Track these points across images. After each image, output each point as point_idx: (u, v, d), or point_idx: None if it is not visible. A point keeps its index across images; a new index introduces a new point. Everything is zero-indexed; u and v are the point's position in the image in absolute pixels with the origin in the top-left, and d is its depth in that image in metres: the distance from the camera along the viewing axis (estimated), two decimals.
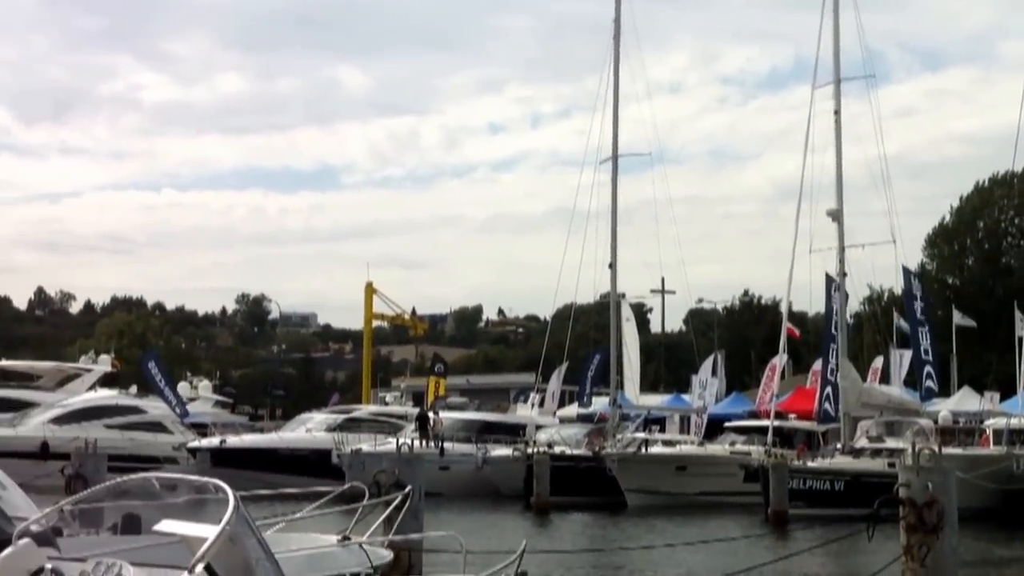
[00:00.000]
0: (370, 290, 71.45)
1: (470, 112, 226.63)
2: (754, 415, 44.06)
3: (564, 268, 43.78)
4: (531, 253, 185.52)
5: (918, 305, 36.40)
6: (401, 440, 38.89)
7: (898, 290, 40.53)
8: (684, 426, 47.44)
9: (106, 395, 49.74)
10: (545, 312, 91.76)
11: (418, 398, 61.20)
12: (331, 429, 44.26)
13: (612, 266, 42.50)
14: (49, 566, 6.08)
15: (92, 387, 52.58)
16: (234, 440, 44.19)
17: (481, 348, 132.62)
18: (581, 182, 43.56)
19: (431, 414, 43.21)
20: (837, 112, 36.39)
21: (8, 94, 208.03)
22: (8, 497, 8.40)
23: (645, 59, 71.10)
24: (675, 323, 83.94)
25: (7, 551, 6.40)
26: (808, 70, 38.59)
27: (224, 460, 38.99)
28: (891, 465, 28.22)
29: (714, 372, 49.10)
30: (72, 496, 8.44)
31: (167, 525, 6.44)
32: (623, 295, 44.64)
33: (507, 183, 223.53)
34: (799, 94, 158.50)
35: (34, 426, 44.48)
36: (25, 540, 6.47)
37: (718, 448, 38.93)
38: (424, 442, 39.87)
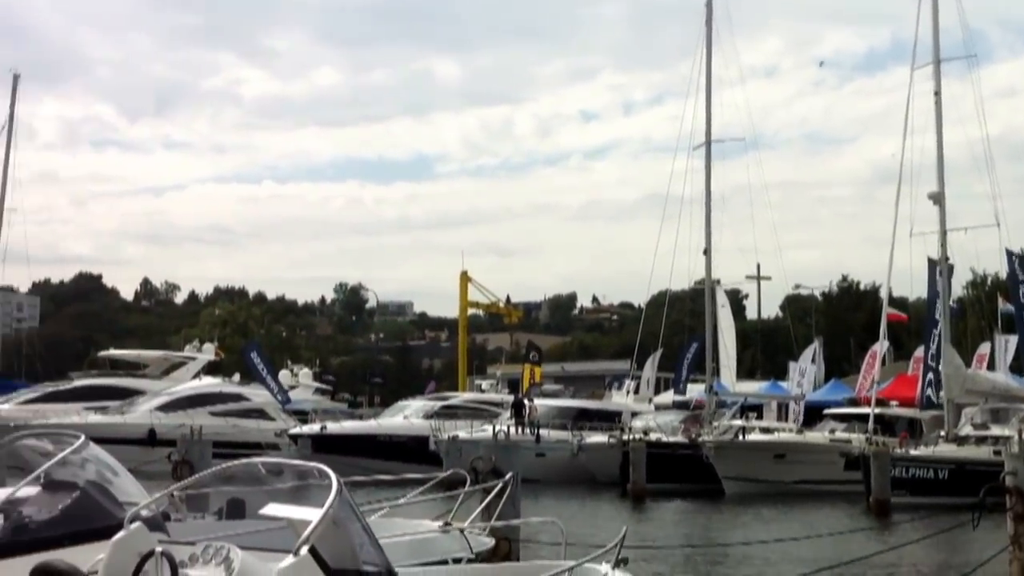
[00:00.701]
0: (465, 278, 71.81)
1: (563, 100, 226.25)
2: (854, 402, 43.37)
3: (658, 255, 43.55)
4: (625, 240, 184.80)
5: (1023, 289, 35.51)
6: (497, 427, 39.24)
7: (1003, 274, 39.53)
8: (782, 413, 46.91)
9: (210, 383, 50.84)
10: (639, 299, 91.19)
11: (513, 385, 61.36)
12: (428, 416, 44.64)
13: (707, 252, 42.19)
14: (159, 549, 6.21)
15: (196, 375, 53.82)
16: (334, 427, 44.81)
17: (575, 335, 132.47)
18: (675, 168, 43.30)
19: (526, 401, 43.34)
20: (937, 93, 35.59)
21: (113, 91, 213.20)
22: (119, 483, 8.64)
23: (738, 43, 70.01)
24: (771, 309, 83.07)
25: (119, 535, 6.58)
26: (906, 51, 37.95)
27: (324, 446, 39.54)
28: (997, 453, 27.66)
29: (813, 359, 48.46)
30: (180, 482, 8.66)
31: (272, 509, 6.57)
32: (718, 281, 44.31)
33: (600, 170, 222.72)
34: (897, 76, 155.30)
35: (141, 414, 45.61)
36: (136, 524, 6.64)
37: (817, 436, 38.44)
38: (520, 429, 40.03)
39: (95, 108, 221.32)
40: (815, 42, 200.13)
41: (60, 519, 8.21)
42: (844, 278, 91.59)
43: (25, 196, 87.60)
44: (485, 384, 64.53)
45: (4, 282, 60.99)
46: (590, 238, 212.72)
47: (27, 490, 8.83)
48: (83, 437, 8.99)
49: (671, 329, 48.49)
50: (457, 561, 9.10)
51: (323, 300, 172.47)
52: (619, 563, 7.52)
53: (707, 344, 42.69)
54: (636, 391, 50.91)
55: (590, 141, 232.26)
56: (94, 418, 42.81)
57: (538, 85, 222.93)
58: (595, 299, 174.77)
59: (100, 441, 9.44)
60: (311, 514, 5.89)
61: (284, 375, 60.53)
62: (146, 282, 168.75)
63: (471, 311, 76.19)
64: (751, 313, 79.45)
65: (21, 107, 57.74)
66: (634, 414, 44.48)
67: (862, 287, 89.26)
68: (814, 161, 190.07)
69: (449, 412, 45.39)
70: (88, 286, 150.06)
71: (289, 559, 5.55)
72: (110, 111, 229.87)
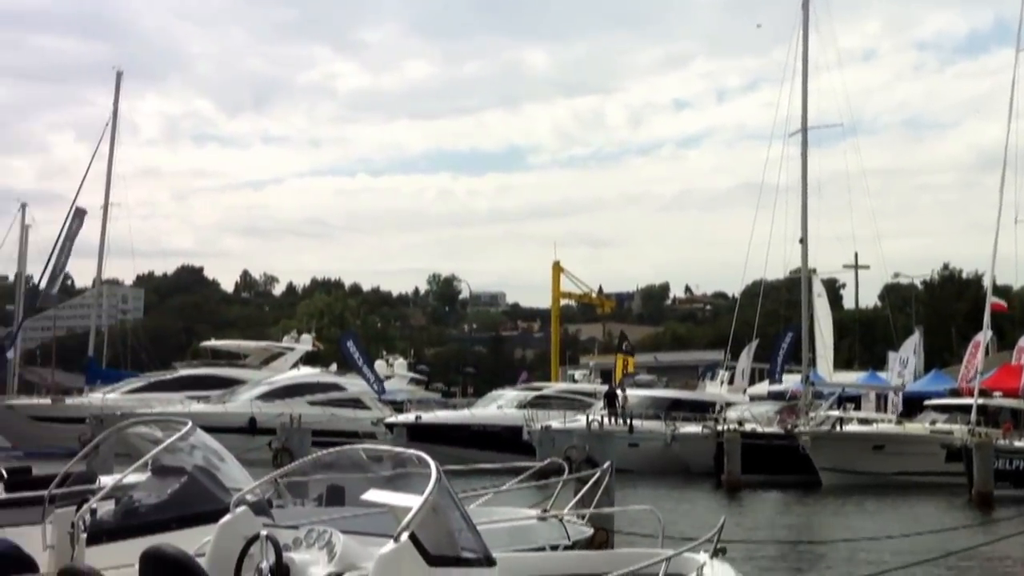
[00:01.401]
0: (557, 269, 71.82)
1: (655, 89, 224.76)
2: (955, 393, 42.49)
3: (753, 244, 43.08)
4: (718, 229, 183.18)
5: None
6: (591, 417, 39.26)
7: None
8: (880, 404, 46.17)
9: (308, 373, 51.74)
10: (733, 289, 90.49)
11: (606, 376, 61.27)
12: (521, 406, 44.85)
13: (803, 241, 41.61)
14: (264, 533, 6.37)
15: (295, 365, 54.79)
16: (428, 416, 45.24)
17: (668, 325, 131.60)
18: (770, 156, 42.78)
19: (619, 391, 43.28)
20: None
21: (212, 86, 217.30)
22: (225, 468, 8.88)
23: (836, 26, 69.14)
24: (869, 299, 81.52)
25: (225, 519, 6.77)
26: (1010, 32, 36.97)
27: (419, 435, 39.94)
28: None
29: (915, 350, 47.59)
30: (284, 468, 8.84)
31: (373, 495, 6.70)
32: (814, 270, 43.69)
33: (693, 159, 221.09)
34: (1001, 58, 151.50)
35: (242, 403, 46.58)
36: (242, 508, 6.82)
37: (917, 427, 37.76)
38: (612, 419, 39.99)
39: (195, 104, 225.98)
40: (915, 24, 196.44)
41: (168, 503, 8.46)
42: (945, 266, 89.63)
43: (128, 191, 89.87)
44: (578, 374, 64.50)
45: (109, 275, 62.53)
46: (683, 228, 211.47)
47: (137, 475, 9.12)
48: (190, 423, 9.25)
49: (766, 319, 47.96)
50: (555, 549, 9.16)
51: (416, 291, 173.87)
52: (717, 553, 7.51)
53: (803, 334, 42.15)
54: (730, 381, 50.47)
55: (683, 129, 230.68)
56: (197, 407, 43.78)
57: (630, 74, 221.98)
58: (688, 289, 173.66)
59: (202, 429, 9.70)
60: (411, 501, 5.97)
61: (379, 365, 61.12)
62: (245, 274, 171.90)
63: (563, 301, 76.17)
64: (848, 303, 78.29)
65: (124, 104, 59.27)
66: (728, 404, 44.14)
67: (964, 276, 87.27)
68: (914, 147, 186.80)
69: (542, 402, 45.55)
70: (190, 278, 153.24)
71: (390, 544, 5.64)
72: (209, 106, 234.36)
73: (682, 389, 51.30)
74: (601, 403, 42.55)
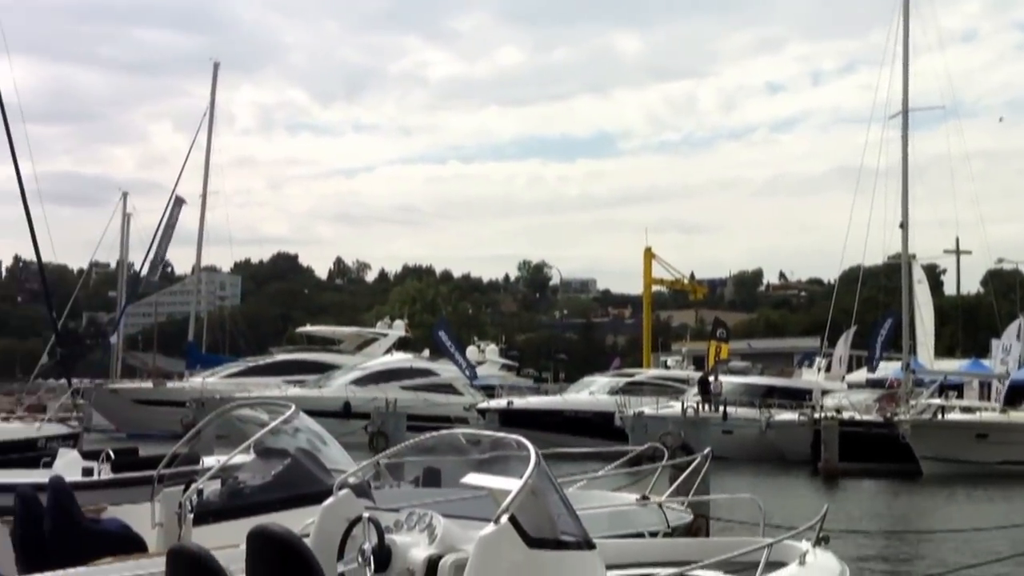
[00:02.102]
0: (649, 255, 71.48)
1: (748, 73, 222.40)
2: None
3: (851, 229, 42.45)
4: (813, 214, 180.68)
5: None
6: (685, 403, 39.04)
7: None
8: (984, 392, 45.17)
9: (402, 358, 52.23)
10: (829, 275, 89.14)
11: (698, 362, 60.84)
12: (613, 392, 44.80)
13: (903, 226, 40.85)
14: (366, 515, 6.44)
15: (388, 351, 55.37)
16: (520, 402, 45.40)
17: (762, 312, 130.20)
18: (868, 139, 42.09)
19: (711, 378, 42.96)
20: None
21: (305, 76, 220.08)
22: (327, 451, 9.00)
23: (936, 7, 67.49)
24: (971, 285, 79.81)
25: (329, 501, 6.86)
26: None
27: (511, 420, 40.08)
28: None
29: (1018, 336, 46.45)
30: (387, 451, 8.94)
31: (473, 478, 6.72)
32: (914, 256, 42.90)
33: (787, 143, 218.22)
34: None
35: (337, 387, 47.22)
36: (345, 491, 6.90)
37: (1022, 415, 36.89)
38: (706, 406, 39.72)
39: (289, 94, 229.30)
40: (1016, 4, 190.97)
41: (272, 485, 8.61)
42: None
43: (225, 180, 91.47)
44: (670, 361, 64.20)
45: (208, 262, 63.75)
46: (776, 213, 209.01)
47: (241, 457, 9.29)
48: (294, 407, 9.39)
49: (864, 305, 47.21)
50: (654, 535, 9.13)
51: (507, 278, 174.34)
52: (820, 541, 7.41)
53: (903, 320, 41.42)
54: (827, 369, 49.85)
55: (776, 113, 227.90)
56: (293, 391, 44.44)
57: (722, 58, 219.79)
58: (782, 275, 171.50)
59: None
60: (510, 484, 5.99)
61: (471, 351, 61.54)
62: (339, 261, 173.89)
63: (655, 288, 75.81)
64: (949, 289, 76.64)
65: (220, 94, 60.16)
66: (825, 392, 43.60)
67: None
68: (1018, 130, 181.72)
69: (634, 388, 45.46)
70: (285, 265, 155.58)
71: (490, 527, 5.66)
72: (303, 96, 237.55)
73: (777, 376, 50.82)
74: (695, 390, 42.29)
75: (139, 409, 47.15)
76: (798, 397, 42.69)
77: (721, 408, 39.75)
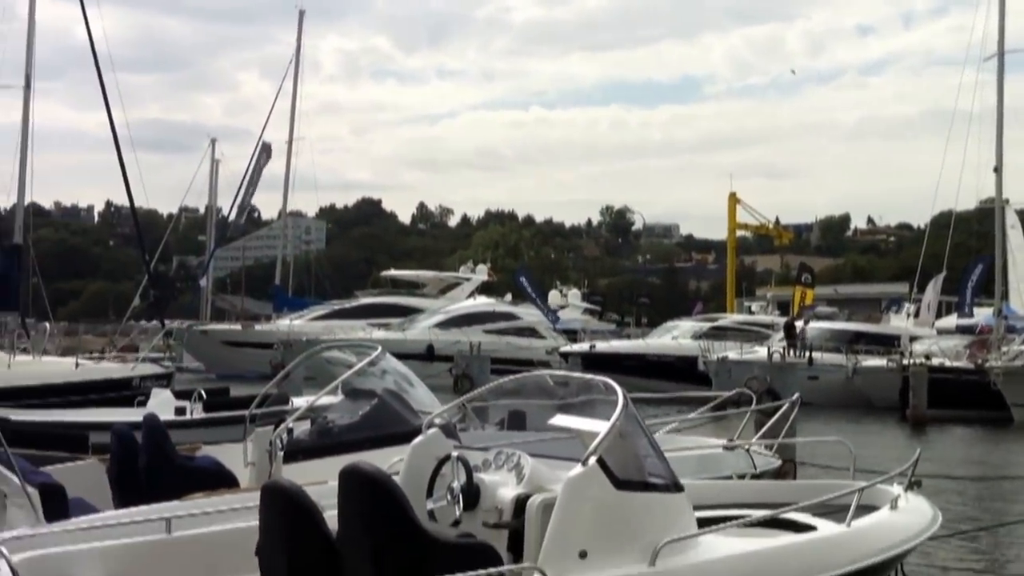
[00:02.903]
0: (733, 200, 70.72)
1: (836, 15, 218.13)
2: None
3: (943, 172, 41.54)
4: (903, 158, 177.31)
5: None
6: (771, 348, 38.74)
7: None
8: None
9: (484, 302, 52.48)
10: (918, 220, 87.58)
11: (783, 307, 60.28)
12: (697, 337, 44.54)
13: (997, 170, 39.82)
14: (455, 454, 6.50)
15: (471, 295, 55.65)
16: (603, 346, 45.38)
17: (849, 257, 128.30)
18: (962, 81, 41.00)
19: (799, 323, 42.53)
20: None
21: (389, 23, 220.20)
22: (414, 393, 9.09)
23: None
24: None
25: (418, 439, 6.93)
26: None
27: (594, 364, 40.06)
28: None
29: None
30: (473, 392, 8.97)
31: (560, 419, 6.74)
32: (1008, 201, 41.84)
33: (876, 87, 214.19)
34: None
35: (420, 330, 47.63)
36: (434, 430, 6.97)
37: None
38: (791, 351, 39.36)
39: (373, 41, 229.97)
40: None
41: (360, 424, 8.73)
42: None
43: (311, 127, 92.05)
44: (754, 306, 63.62)
45: (293, 207, 64.44)
46: (864, 157, 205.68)
47: (330, 397, 9.43)
48: (380, 348, 9.49)
49: (954, 251, 46.25)
50: (741, 479, 9.09)
51: (589, 223, 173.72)
52: (912, 486, 7.33)
53: (996, 266, 40.55)
54: (916, 315, 49.06)
55: (865, 56, 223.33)
56: (378, 334, 44.90)
57: (809, 0, 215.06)
58: (870, 220, 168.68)
59: None
60: (598, 426, 5.99)
61: (553, 296, 61.58)
62: (422, 206, 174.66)
63: (739, 233, 75.03)
64: None
65: (306, 42, 60.50)
66: (913, 338, 42.92)
67: None
68: None
69: (718, 333, 45.15)
70: (369, 210, 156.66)
71: (578, 468, 5.67)
72: (387, 43, 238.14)
73: (864, 322, 50.15)
74: (779, 335, 41.92)
75: (228, 350, 48.02)
76: (886, 343, 42.13)
77: (807, 354, 39.35)
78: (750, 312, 58.99)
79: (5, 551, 5.57)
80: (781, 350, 38.74)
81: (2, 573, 5.19)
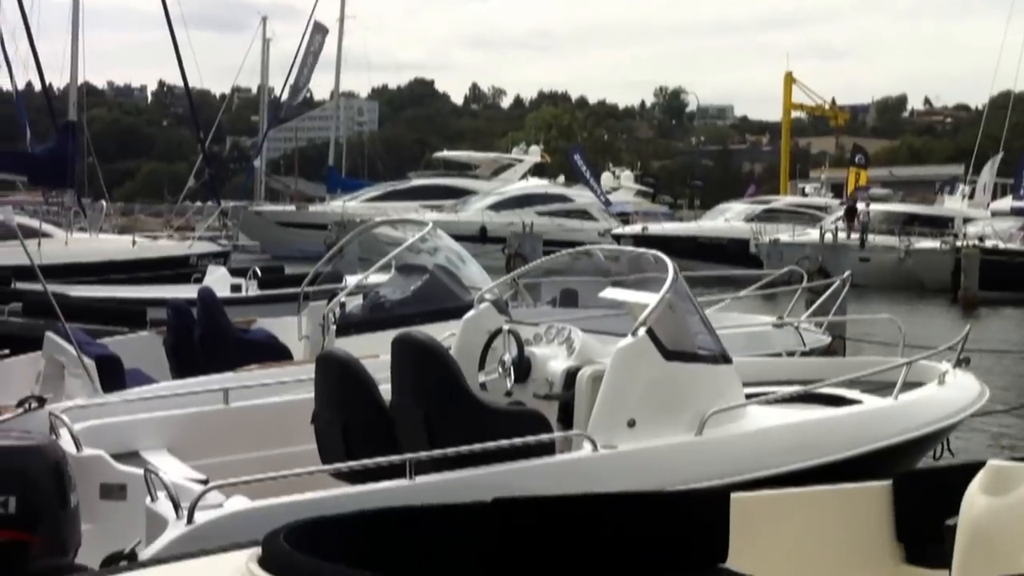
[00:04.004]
0: (789, 80, 69.52)
1: None
2: None
3: (1003, 52, 40.54)
4: (961, 38, 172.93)
5: None
6: (824, 229, 38.48)
7: None
8: None
9: (537, 184, 52.43)
10: (976, 101, 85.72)
11: (837, 190, 59.61)
12: (749, 219, 44.33)
13: None
14: (506, 327, 6.61)
15: (523, 176, 55.52)
16: (655, 228, 45.29)
17: (904, 139, 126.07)
18: None
19: (861, 205, 42.07)
20: None
21: None
22: (465, 269, 9.19)
23: None
24: None
25: (470, 313, 7.04)
26: None
27: (645, 246, 39.80)
28: None
29: None
30: (522, 268, 9.05)
31: (611, 292, 6.82)
32: None
33: None
34: None
35: (473, 211, 47.79)
36: (485, 304, 7.08)
37: None
38: (850, 233, 39.04)
39: None
40: None
41: (412, 299, 8.86)
42: None
43: (362, 5, 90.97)
44: (808, 188, 63.01)
45: (345, 88, 64.15)
46: (923, 36, 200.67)
47: (382, 274, 9.55)
48: (431, 224, 9.56)
49: (1013, 132, 45.51)
50: (791, 355, 9.15)
51: (643, 104, 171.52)
52: (960, 362, 7.35)
53: None
54: (971, 196, 48.39)
55: None
56: (430, 215, 44.99)
57: None
58: (927, 101, 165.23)
59: None
60: (648, 298, 6.04)
61: (606, 178, 61.25)
62: (474, 87, 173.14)
63: (794, 114, 73.92)
64: None
65: None
66: (967, 220, 42.42)
67: None
68: None
69: (771, 215, 44.92)
70: (422, 91, 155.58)
71: (628, 339, 5.74)
72: None
73: (918, 204, 49.58)
74: (832, 216, 41.59)
75: (282, 231, 48.42)
76: (940, 225, 41.72)
77: (859, 235, 39.03)
78: (803, 194, 58.48)
79: (66, 419, 5.77)
80: (834, 230, 38.44)
81: (63, 441, 5.36)
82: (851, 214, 40.45)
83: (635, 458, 5.53)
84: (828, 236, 37.04)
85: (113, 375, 7.18)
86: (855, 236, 38.80)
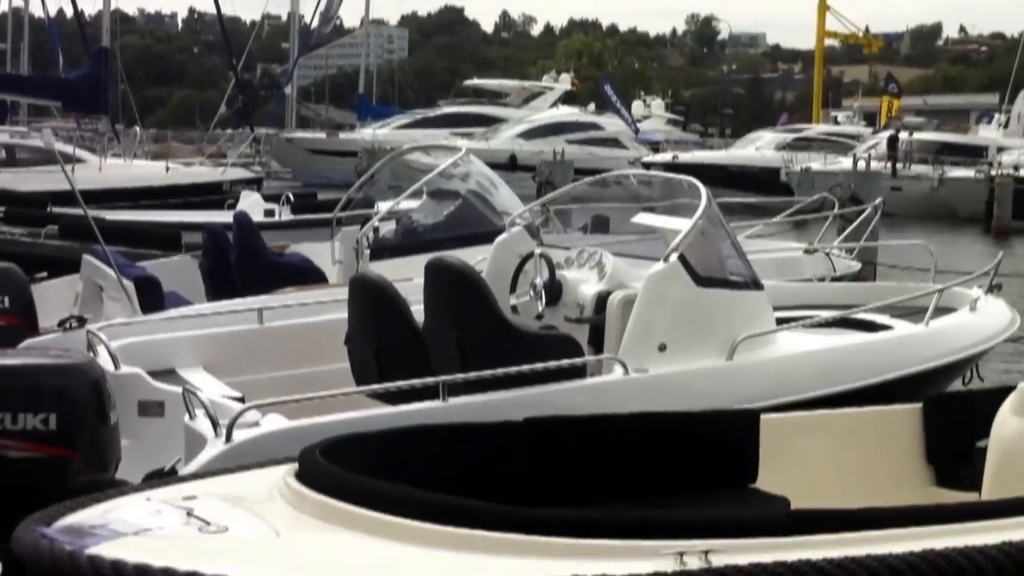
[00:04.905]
0: (822, 7, 68.37)
1: None
2: None
3: None
4: None
5: None
6: (857, 156, 38.15)
7: None
8: None
9: (567, 112, 52.18)
10: (1013, 29, 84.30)
11: (870, 118, 59.05)
12: (780, 148, 44.06)
13: None
14: (538, 251, 6.64)
15: (554, 104, 55.24)
16: (685, 156, 45.09)
17: (939, 68, 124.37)
18: None
19: (903, 134, 41.62)
20: None
21: None
22: (498, 195, 9.19)
23: None
24: None
25: (502, 236, 7.07)
26: None
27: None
28: None
29: None
30: (553, 193, 9.06)
31: (643, 218, 6.82)
32: None
33: None
34: None
35: (503, 140, 47.67)
36: (517, 228, 7.10)
37: None
38: (893, 162, 38.68)
39: None
40: None
41: (445, 224, 8.91)
42: None
43: None
44: (841, 116, 62.42)
45: (375, 15, 63.71)
46: None
47: (414, 199, 9.58)
48: (464, 150, 9.56)
49: None
50: (821, 281, 9.15)
51: (674, 32, 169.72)
52: (992, 289, 7.34)
53: None
54: (1005, 126, 47.77)
55: None
56: (461, 143, 44.84)
57: None
58: (962, 29, 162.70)
59: None
60: (680, 224, 6.05)
61: (636, 106, 60.83)
62: (504, 14, 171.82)
63: (827, 42, 72.90)
64: None
65: None
66: (1001, 149, 41.94)
67: None
68: None
69: (802, 144, 44.61)
70: (451, 18, 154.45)
71: (659, 265, 5.76)
72: None
73: (952, 133, 49.03)
74: (864, 145, 41.22)
75: (313, 158, 48.41)
76: (974, 154, 41.28)
77: (906, 165, 38.66)
78: (836, 123, 57.92)
79: (104, 337, 5.86)
80: (867, 158, 38.12)
81: (101, 359, 5.45)
82: (893, 143, 40.03)
83: (666, 382, 5.57)
84: (861, 164, 36.71)
85: (152, 297, 7.27)
86: (898, 165, 38.41)
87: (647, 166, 43.24)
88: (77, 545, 2.98)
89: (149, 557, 2.90)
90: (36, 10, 29.85)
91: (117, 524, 3.16)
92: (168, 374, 5.96)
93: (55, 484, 3.94)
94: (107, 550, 2.95)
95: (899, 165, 38.47)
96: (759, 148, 45.68)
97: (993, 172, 35.49)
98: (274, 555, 3.10)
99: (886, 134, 41.79)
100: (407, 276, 6.69)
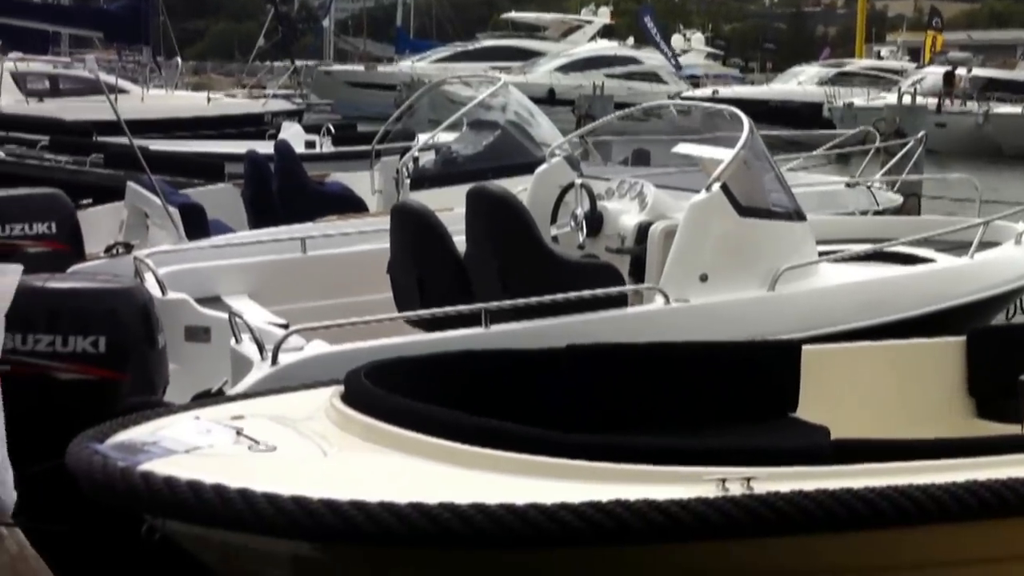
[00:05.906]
0: None
1: None
2: None
3: None
4: None
5: None
6: (901, 90, 37.62)
7: None
8: None
9: (606, 46, 51.68)
10: None
11: (914, 54, 58.15)
12: (823, 83, 43.56)
13: None
14: (579, 182, 6.62)
15: (592, 38, 54.76)
16: (726, 91, 44.59)
17: (986, 2, 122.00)
18: None
19: (961, 71, 40.92)
20: None
21: None
22: (538, 126, 9.16)
23: None
24: None
25: (542, 167, 7.05)
26: None
27: None
28: None
29: None
30: (592, 124, 9.00)
31: (684, 148, 6.78)
32: None
33: None
34: None
35: (542, 73, 47.36)
36: (557, 159, 7.08)
37: None
38: (951, 99, 38.09)
39: None
40: None
41: (484, 155, 8.90)
42: None
43: None
44: (885, 51, 61.55)
45: None
46: None
47: (453, 131, 9.57)
48: (503, 80, 9.51)
49: None
50: (864, 215, 9.09)
51: None
52: None
53: None
54: None
55: None
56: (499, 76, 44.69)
57: None
58: None
59: None
60: (723, 154, 6.01)
61: (676, 40, 60.17)
62: None
63: None
64: None
65: None
66: None
67: None
68: None
69: (845, 79, 44.07)
70: None
71: (702, 194, 5.73)
72: None
73: (999, 68, 48.23)
74: (909, 80, 40.63)
75: (352, 91, 48.31)
76: (1020, 90, 40.61)
77: (964, 103, 38.05)
78: (879, 58, 57.13)
79: (151, 263, 5.93)
80: (912, 92, 37.60)
81: (148, 285, 5.52)
82: (949, 79, 39.37)
83: (707, 312, 5.56)
84: (906, 99, 36.22)
85: (197, 224, 7.34)
86: (964, 103, 37.77)
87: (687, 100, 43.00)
88: (130, 461, 3.04)
89: (201, 474, 2.95)
90: None
91: (168, 442, 3.22)
92: (213, 301, 6.02)
93: (105, 406, 3.99)
94: (159, 467, 3.01)
95: (956, 101, 37.75)
96: (801, 83, 45.19)
97: None
98: (322, 474, 3.16)
99: (930, 69, 41.11)
100: (447, 207, 6.70)
